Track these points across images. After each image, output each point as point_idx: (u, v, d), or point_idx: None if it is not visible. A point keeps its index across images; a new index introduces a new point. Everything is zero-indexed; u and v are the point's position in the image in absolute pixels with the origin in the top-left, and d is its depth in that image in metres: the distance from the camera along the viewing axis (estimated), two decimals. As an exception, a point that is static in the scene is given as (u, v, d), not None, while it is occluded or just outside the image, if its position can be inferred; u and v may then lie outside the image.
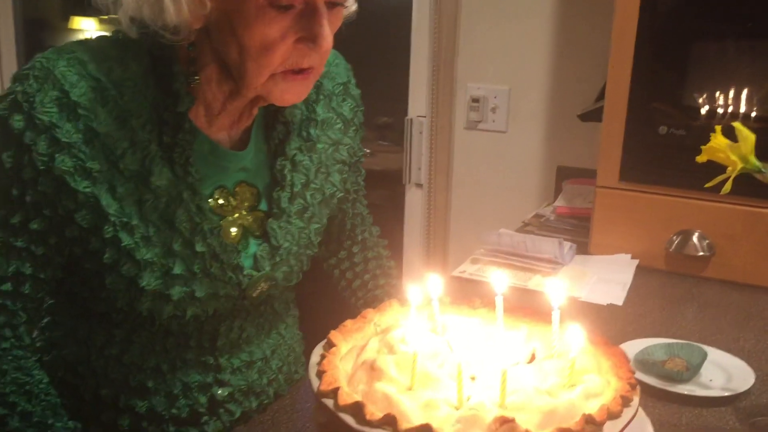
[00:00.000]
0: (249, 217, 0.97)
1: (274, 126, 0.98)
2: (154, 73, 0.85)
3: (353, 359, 0.78)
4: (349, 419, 0.66)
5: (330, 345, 0.78)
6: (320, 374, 0.72)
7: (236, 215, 0.95)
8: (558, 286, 0.79)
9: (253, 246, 0.96)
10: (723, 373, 1.09)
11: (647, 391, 1.03)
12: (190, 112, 0.87)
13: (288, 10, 0.80)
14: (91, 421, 0.92)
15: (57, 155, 0.79)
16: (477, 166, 2.25)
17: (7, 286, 0.82)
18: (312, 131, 1.02)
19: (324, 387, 0.69)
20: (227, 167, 0.94)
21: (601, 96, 1.67)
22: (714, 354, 1.13)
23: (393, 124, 2.88)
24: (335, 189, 1.06)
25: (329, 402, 0.68)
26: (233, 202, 0.95)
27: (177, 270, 0.87)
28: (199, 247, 0.88)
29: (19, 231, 0.81)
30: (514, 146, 2.19)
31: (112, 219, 0.82)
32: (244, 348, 0.99)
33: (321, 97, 1.04)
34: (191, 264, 0.88)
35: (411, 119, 2.28)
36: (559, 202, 1.92)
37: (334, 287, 1.25)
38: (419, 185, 2.32)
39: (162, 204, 0.85)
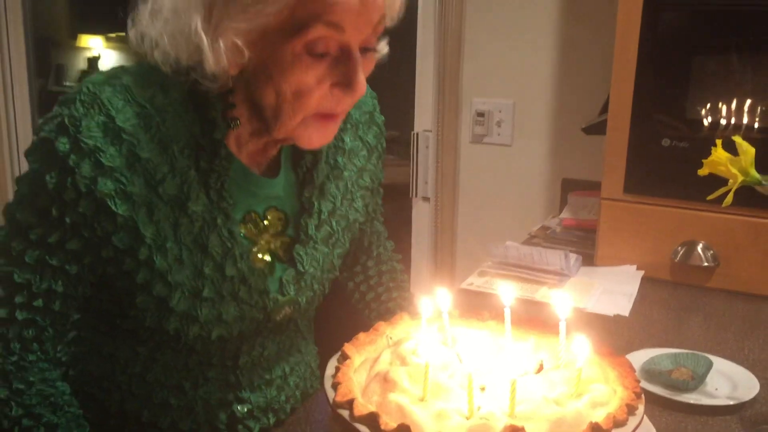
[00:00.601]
0: (277, 242, 0.98)
1: (302, 154, 1.00)
2: (192, 99, 0.87)
3: (367, 371, 0.80)
4: (364, 429, 0.68)
5: (344, 357, 0.80)
6: (335, 386, 0.74)
7: (265, 240, 0.97)
8: (564, 298, 0.82)
9: (279, 270, 0.98)
10: (728, 382, 1.10)
11: (653, 400, 1.05)
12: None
13: (324, 57, 0.82)
14: None
15: (99, 178, 0.80)
16: (483, 179, 2.28)
17: (39, 302, 0.83)
18: (339, 159, 1.04)
19: (339, 398, 0.71)
20: (258, 193, 0.96)
21: (604, 109, 1.69)
22: (719, 363, 1.14)
23: (399, 138, 2.91)
24: (358, 215, 1.08)
25: (345, 413, 0.70)
26: (262, 227, 0.97)
27: (206, 293, 0.88)
28: (229, 272, 0.90)
29: (56, 250, 0.83)
30: (520, 159, 2.21)
31: (148, 242, 0.84)
32: (264, 366, 1.01)
33: (348, 126, 1.06)
34: (220, 287, 0.90)
35: (417, 133, 2.31)
36: (565, 214, 1.93)
37: (348, 301, 1.27)
38: (426, 198, 2.34)
39: (196, 228, 0.87)
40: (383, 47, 0.94)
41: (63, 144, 0.80)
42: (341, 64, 0.84)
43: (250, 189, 0.95)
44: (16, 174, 3.20)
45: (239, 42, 0.81)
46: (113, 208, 0.81)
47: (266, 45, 0.82)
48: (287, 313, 0.99)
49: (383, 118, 1.13)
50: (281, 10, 0.79)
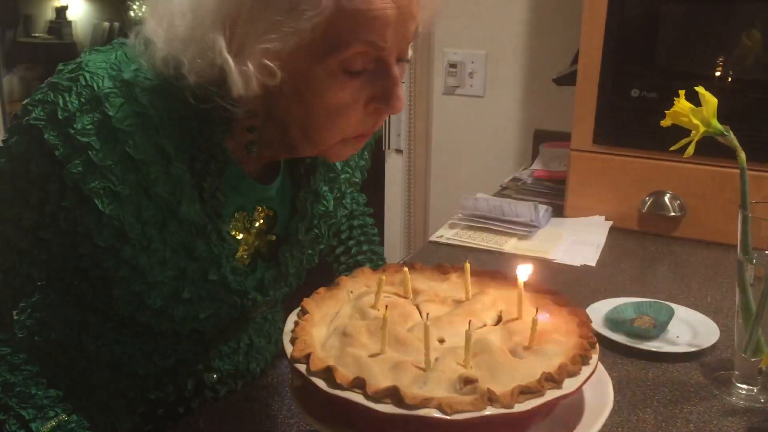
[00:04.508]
0: (262, 240, 0.95)
1: (302, 158, 0.96)
2: (195, 98, 0.80)
3: (327, 325, 0.80)
4: (320, 383, 0.68)
5: (303, 312, 0.80)
6: (293, 341, 0.74)
7: (249, 238, 0.93)
8: (525, 269, 0.82)
9: (261, 269, 0.95)
10: (689, 329, 1.13)
11: (616, 348, 1.07)
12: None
13: (360, 73, 0.78)
14: (82, 400, 0.92)
15: (88, 176, 0.75)
16: (455, 131, 2.27)
17: None
18: (337, 164, 1.01)
19: (296, 353, 0.71)
20: (250, 195, 0.92)
21: (575, 60, 1.68)
22: (681, 311, 1.16)
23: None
24: (345, 211, 1.06)
25: (302, 367, 0.70)
26: (249, 225, 0.93)
27: (186, 294, 0.85)
28: (211, 275, 0.86)
29: (27, 234, 0.79)
30: (492, 110, 2.20)
31: (133, 241, 0.79)
32: (231, 336, 1.00)
33: None
34: (201, 289, 0.86)
35: (389, 85, 2.28)
36: (536, 166, 1.94)
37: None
38: (399, 151, 2.33)
39: (184, 231, 0.83)
40: (409, 52, 0.89)
41: (53, 136, 0.74)
42: (378, 79, 0.79)
43: (244, 192, 0.90)
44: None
45: (270, 63, 0.75)
46: (100, 206, 0.76)
47: (296, 63, 0.76)
48: (263, 311, 0.98)
49: None
50: (316, 26, 0.73)
